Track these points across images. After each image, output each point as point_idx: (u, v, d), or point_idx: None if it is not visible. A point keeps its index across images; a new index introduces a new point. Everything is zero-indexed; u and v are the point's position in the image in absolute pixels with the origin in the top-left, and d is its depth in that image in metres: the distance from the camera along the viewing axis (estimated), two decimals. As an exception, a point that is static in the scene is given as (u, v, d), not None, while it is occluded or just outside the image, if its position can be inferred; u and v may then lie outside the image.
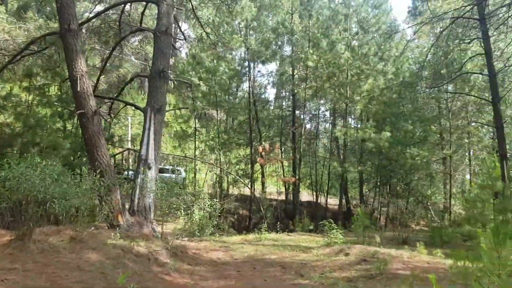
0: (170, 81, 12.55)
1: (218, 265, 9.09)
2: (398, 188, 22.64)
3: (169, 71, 11.98)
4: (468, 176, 26.64)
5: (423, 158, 21.42)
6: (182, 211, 15.76)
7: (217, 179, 23.47)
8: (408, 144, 20.94)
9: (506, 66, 17.12)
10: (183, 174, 25.47)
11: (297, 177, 21.44)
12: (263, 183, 22.86)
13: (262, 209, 18.29)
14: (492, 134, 22.91)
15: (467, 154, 25.28)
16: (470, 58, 18.46)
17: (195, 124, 23.34)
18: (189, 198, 17.11)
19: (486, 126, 22.70)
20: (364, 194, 23.41)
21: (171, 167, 24.25)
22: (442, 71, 21.20)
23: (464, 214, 11.48)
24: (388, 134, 16.87)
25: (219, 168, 22.45)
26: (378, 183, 23.23)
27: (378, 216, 22.49)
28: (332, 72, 19.05)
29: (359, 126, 18.19)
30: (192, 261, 8.94)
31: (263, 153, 19.10)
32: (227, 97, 23.89)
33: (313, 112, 25.78)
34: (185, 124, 23.85)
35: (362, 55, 18.89)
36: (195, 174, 23.16)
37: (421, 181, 22.78)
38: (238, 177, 22.11)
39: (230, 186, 24.76)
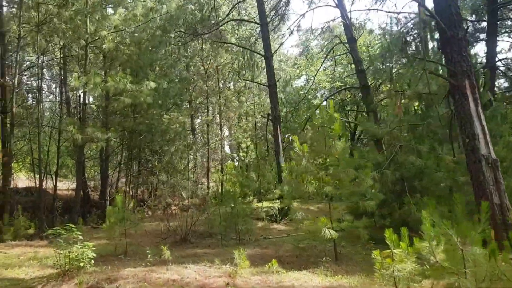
0: None
1: None
2: (156, 163, 18.07)
3: None
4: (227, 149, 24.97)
5: (181, 124, 17.68)
6: None
7: None
8: (166, 107, 16.59)
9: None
10: None
11: (8, 153, 13.62)
12: None
13: None
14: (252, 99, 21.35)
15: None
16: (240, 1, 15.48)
17: None
18: None
19: (241, 92, 20.90)
20: (108, 175, 17.56)
21: None
22: (197, 26, 17.85)
23: (285, 190, 8.10)
24: (153, 84, 11.83)
25: None
26: (126, 159, 17.91)
27: (127, 201, 17.27)
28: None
29: (108, 74, 12.33)
30: None
31: None
32: None
33: (34, 59, 17.59)
34: None
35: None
36: None
37: (178, 154, 18.94)
38: None
39: None
